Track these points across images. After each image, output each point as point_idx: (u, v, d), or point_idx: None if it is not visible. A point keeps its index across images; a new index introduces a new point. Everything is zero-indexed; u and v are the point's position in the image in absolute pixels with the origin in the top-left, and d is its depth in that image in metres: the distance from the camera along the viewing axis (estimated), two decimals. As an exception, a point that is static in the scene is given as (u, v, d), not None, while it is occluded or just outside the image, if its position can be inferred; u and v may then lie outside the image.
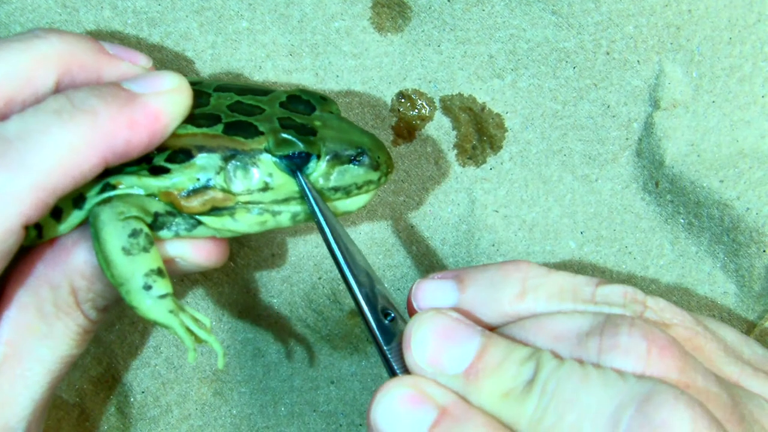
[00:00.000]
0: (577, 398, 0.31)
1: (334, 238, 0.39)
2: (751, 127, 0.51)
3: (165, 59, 0.52)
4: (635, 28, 0.50)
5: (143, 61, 0.42)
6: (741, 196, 0.50)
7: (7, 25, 0.50)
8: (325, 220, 0.40)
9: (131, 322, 0.56)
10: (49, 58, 0.38)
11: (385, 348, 0.36)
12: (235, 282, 0.56)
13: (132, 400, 0.57)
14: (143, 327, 0.56)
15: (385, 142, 0.54)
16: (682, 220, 0.53)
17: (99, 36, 0.51)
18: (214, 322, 0.56)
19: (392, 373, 0.35)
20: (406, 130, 0.54)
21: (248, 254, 0.56)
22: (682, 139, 0.51)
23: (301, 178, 0.41)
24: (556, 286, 0.37)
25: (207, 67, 0.52)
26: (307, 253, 0.56)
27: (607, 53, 0.51)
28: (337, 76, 0.53)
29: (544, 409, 0.32)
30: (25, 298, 0.39)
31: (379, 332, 0.36)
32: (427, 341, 0.35)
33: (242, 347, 0.57)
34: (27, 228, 0.36)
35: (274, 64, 0.53)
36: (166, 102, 0.39)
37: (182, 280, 0.56)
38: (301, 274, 0.56)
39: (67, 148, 0.36)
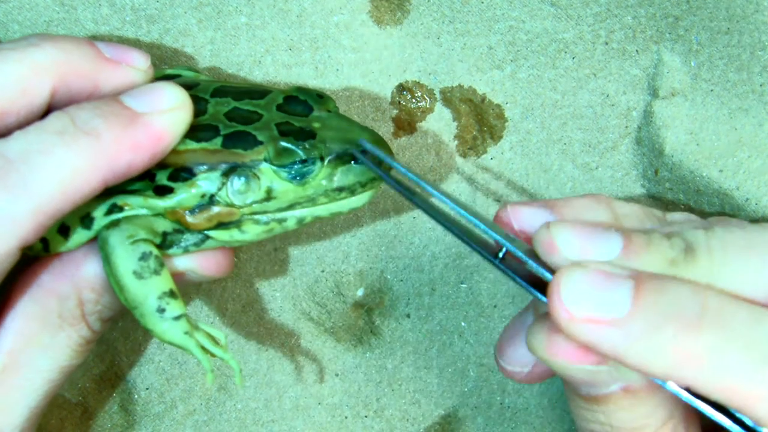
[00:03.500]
0: (749, 243, 0.32)
1: (425, 182, 0.38)
2: (749, 115, 0.51)
3: (164, 56, 0.51)
4: (634, 18, 0.50)
5: (140, 61, 0.40)
6: (740, 186, 0.51)
7: (5, 23, 0.49)
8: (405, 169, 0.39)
9: (133, 318, 0.55)
10: (45, 67, 0.37)
11: (524, 256, 0.34)
12: (238, 276, 0.56)
13: (136, 397, 0.56)
14: (146, 324, 0.56)
15: (386, 134, 0.54)
16: (682, 207, 0.53)
17: (97, 35, 0.50)
18: (217, 318, 0.56)
19: (537, 286, 0.34)
20: (407, 122, 0.54)
21: (251, 248, 0.56)
22: (681, 128, 0.52)
23: (358, 154, 0.40)
24: (640, 212, 0.38)
25: (206, 62, 0.52)
26: (310, 246, 0.56)
27: (606, 43, 0.52)
28: (337, 69, 0.53)
29: (721, 262, 0.32)
30: (30, 309, 0.39)
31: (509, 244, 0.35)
32: (571, 239, 0.33)
33: (246, 341, 0.57)
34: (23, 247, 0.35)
35: (273, 58, 0.52)
36: (169, 121, 0.38)
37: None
38: (304, 268, 0.56)
39: (69, 171, 0.35)
